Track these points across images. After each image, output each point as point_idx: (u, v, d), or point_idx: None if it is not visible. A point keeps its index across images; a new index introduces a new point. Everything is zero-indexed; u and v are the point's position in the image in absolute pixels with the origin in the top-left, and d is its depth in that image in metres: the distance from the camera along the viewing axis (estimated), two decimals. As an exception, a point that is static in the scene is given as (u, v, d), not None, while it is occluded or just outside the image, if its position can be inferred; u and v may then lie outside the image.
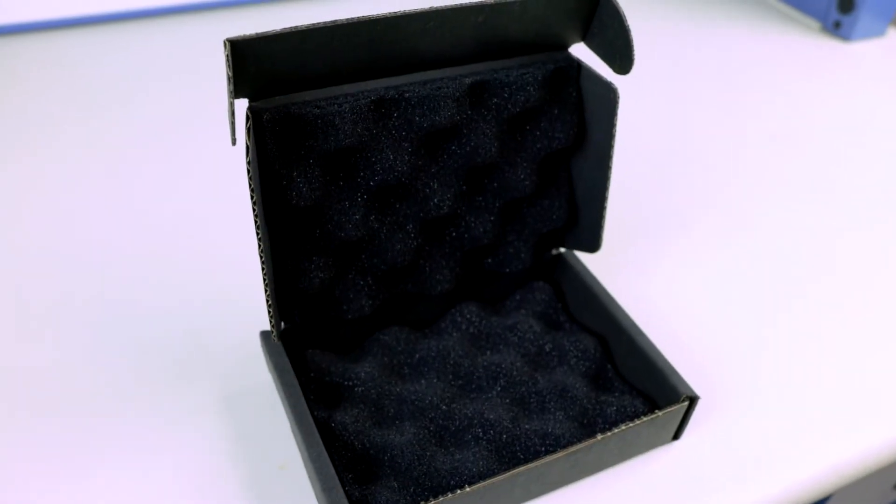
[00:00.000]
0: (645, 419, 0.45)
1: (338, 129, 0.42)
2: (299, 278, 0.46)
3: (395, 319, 0.54)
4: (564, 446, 0.46)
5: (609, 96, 0.47)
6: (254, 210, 0.40)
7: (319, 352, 0.50)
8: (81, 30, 0.92)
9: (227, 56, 0.37)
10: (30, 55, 0.86)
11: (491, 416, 0.47)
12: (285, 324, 0.49)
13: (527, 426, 0.48)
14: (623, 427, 0.44)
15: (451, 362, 0.51)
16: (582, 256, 0.61)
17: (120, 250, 0.61)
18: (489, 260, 0.53)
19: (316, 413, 0.47)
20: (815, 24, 1.04)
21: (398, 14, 0.41)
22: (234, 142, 0.37)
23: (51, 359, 0.52)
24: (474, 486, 0.41)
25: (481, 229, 0.51)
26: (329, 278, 0.47)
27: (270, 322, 0.44)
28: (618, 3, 0.45)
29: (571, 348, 0.52)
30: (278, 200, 0.43)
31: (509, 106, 0.47)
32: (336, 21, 0.40)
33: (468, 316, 0.54)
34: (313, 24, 0.39)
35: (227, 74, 0.37)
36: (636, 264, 0.63)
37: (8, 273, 0.58)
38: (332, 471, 0.41)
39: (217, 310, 0.56)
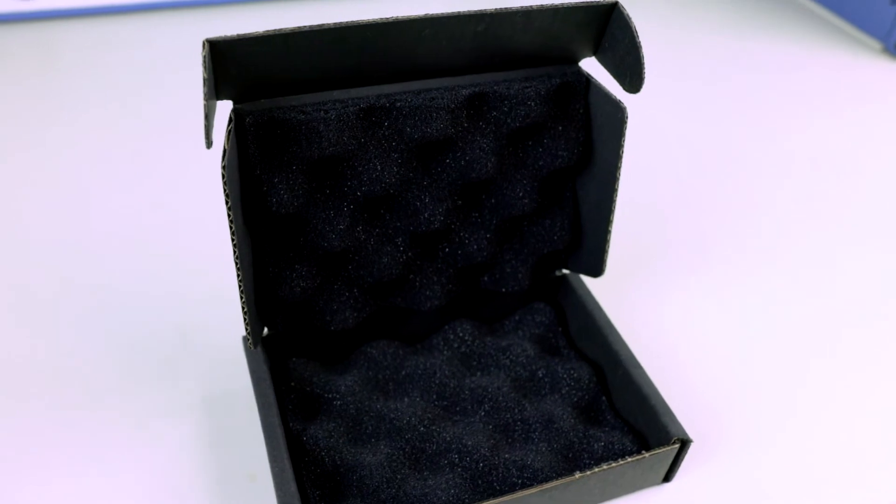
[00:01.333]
0: (630, 459, 0.43)
1: (322, 136, 0.41)
2: (280, 286, 0.45)
3: (387, 332, 0.52)
4: (543, 481, 0.44)
5: (617, 115, 0.45)
6: (228, 215, 0.39)
7: (304, 361, 0.49)
8: (98, 19, 0.93)
9: (205, 57, 0.36)
10: (42, 42, 0.87)
11: (469, 443, 0.45)
12: (269, 329, 0.48)
13: (506, 455, 0.45)
14: (605, 466, 0.42)
15: (437, 381, 0.49)
16: (590, 279, 0.58)
17: (117, 243, 0.60)
18: (486, 278, 0.51)
19: (292, 424, 0.46)
20: (876, 44, 0.98)
21: (390, 20, 0.39)
22: (208, 144, 0.36)
23: (35, 347, 0.52)
24: None
25: (475, 246, 0.49)
26: (312, 288, 0.46)
27: (247, 329, 0.43)
28: (629, 18, 0.42)
29: (565, 376, 0.50)
30: (258, 206, 0.42)
31: (509, 120, 0.45)
32: (323, 25, 0.38)
33: (461, 334, 0.52)
34: (299, 28, 0.38)
35: (203, 76, 0.35)
36: (648, 291, 0.60)
37: (2, 262, 0.59)
38: (293, 488, 0.40)
39: (210, 308, 0.55)
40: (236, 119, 0.40)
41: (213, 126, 0.37)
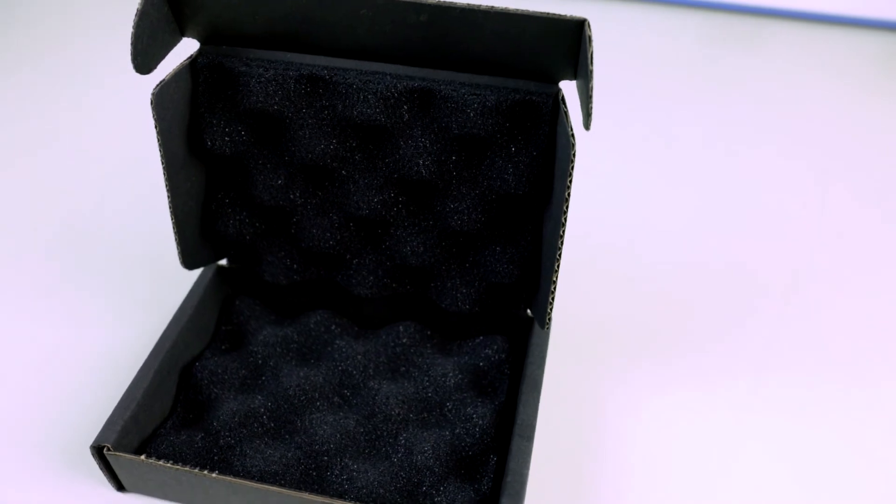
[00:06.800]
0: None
1: (251, 91, 0.42)
2: (217, 220, 0.48)
3: (348, 309, 0.52)
4: (361, 501, 0.42)
5: (568, 150, 0.39)
6: (158, 139, 0.43)
7: (252, 301, 0.52)
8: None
9: (148, -10, 0.40)
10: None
11: (323, 434, 0.44)
12: (230, 262, 0.52)
13: (349, 462, 0.43)
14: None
15: (344, 369, 0.48)
16: (563, 336, 0.52)
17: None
18: (431, 286, 0.48)
19: (209, 350, 0.50)
20: None
21: (326, -9, 0.39)
22: (136, 68, 0.40)
23: (75, 209, 0.62)
24: (230, 478, 0.40)
25: (409, 248, 0.46)
26: (251, 233, 0.48)
27: (178, 250, 0.47)
28: (589, 40, 0.36)
29: (466, 418, 0.45)
30: (200, 141, 0.45)
31: (452, 125, 0.42)
32: (259, -15, 0.39)
33: (401, 335, 0.50)
34: (239, -18, 0.40)
35: (138, 7, 0.39)
36: (622, 370, 0.51)
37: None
38: (139, 395, 0.44)
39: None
40: (195, 58, 0.43)
41: (150, 53, 0.41)
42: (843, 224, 0.62)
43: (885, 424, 0.48)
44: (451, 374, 0.47)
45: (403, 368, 0.49)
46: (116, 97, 0.75)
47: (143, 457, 0.41)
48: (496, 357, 0.49)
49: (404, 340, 0.50)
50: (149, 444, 0.44)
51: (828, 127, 0.73)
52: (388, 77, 0.41)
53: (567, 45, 0.38)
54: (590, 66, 0.36)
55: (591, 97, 0.36)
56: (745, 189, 0.66)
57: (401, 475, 0.43)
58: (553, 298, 0.43)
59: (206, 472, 0.40)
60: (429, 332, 0.51)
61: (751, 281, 0.57)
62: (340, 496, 0.42)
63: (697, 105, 0.76)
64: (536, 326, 0.48)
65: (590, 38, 0.36)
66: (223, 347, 0.50)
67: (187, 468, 0.40)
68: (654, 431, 0.48)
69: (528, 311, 0.49)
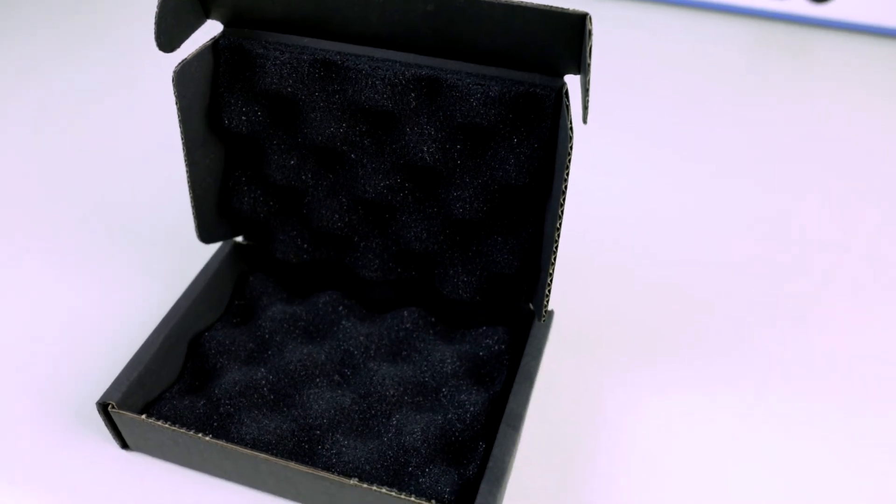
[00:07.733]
0: (400, 496, 0.39)
1: (266, 73, 0.44)
2: (232, 197, 0.49)
3: (358, 292, 0.53)
4: (345, 475, 0.43)
5: (566, 143, 0.39)
6: (178, 115, 0.45)
7: (267, 279, 0.54)
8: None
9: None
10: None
11: (318, 409, 0.46)
12: (245, 239, 0.54)
13: (339, 438, 0.45)
14: (384, 491, 0.39)
15: (346, 349, 0.49)
16: (572, 327, 0.52)
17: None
18: (436, 272, 0.49)
19: (220, 323, 0.52)
20: None
21: (337, -22, 0.40)
22: (159, 46, 0.42)
23: (110, 189, 0.65)
24: (222, 442, 0.41)
25: (413, 234, 0.47)
26: (265, 211, 0.50)
27: (196, 224, 0.49)
28: (589, 34, 0.36)
29: (458, 404, 0.46)
30: (217, 120, 0.47)
31: (456, 114, 0.42)
32: (277, -30, 0.41)
33: (405, 320, 0.51)
34: (258, -33, 0.41)
35: (165, -14, 0.41)
36: (635, 374, 0.50)
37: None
38: (147, 359, 0.46)
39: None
40: (218, 39, 0.45)
41: (173, 33, 0.43)
42: (870, 239, 0.61)
43: (890, 451, 0.47)
44: (449, 361, 0.48)
45: (405, 352, 0.50)
46: (142, 84, 0.78)
47: (143, 416, 0.43)
48: (496, 347, 0.49)
49: (408, 325, 0.51)
50: (153, 405, 0.46)
51: (857, 137, 0.71)
52: (397, 64, 0.43)
53: (569, 39, 0.39)
54: (588, 61, 0.36)
55: (588, 91, 0.37)
56: (756, 191, 0.65)
57: (388, 454, 0.44)
58: (549, 291, 0.44)
59: (200, 435, 0.42)
60: (433, 320, 0.51)
61: (756, 282, 0.56)
62: (327, 469, 0.43)
63: (713, 106, 0.75)
64: (536, 319, 0.48)
65: (590, 32, 0.36)
66: (234, 321, 0.52)
67: (183, 430, 0.42)
68: (652, 431, 0.47)
69: (530, 304, 0.49)
